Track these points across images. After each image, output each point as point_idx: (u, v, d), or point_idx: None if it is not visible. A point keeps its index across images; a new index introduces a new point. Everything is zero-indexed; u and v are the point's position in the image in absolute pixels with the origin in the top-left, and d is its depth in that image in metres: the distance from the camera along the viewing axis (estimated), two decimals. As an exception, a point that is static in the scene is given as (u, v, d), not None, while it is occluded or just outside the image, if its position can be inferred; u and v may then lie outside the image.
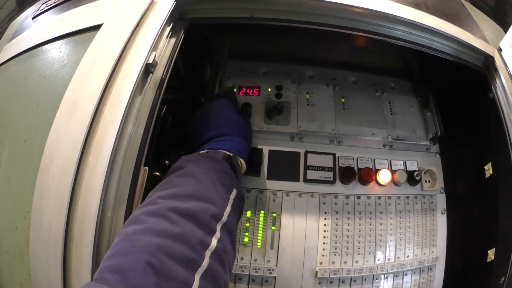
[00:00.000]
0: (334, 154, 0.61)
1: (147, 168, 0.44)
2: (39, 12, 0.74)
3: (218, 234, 0.38)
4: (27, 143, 0.55)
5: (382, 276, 0.58)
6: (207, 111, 0.55)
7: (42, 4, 0.75)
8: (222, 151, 0.49)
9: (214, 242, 0.37)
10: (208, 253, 0.36)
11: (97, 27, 0.54)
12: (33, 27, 0.72)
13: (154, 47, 0.48)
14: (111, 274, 0.31)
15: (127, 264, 0.31)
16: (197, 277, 0.33)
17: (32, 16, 0.76)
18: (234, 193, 0.44)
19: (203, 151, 0.50)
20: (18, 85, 0.65)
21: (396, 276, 0.59)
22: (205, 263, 0.35)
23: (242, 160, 0.52)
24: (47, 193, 0.45)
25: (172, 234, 0.34)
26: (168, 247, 0.33)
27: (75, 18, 0.60)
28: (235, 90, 0.65)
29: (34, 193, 0.46)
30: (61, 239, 0.42)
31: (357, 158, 0.61)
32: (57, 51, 0.60)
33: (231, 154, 0.49)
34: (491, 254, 0.58)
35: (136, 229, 0.35)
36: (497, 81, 0.59)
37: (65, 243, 0.42)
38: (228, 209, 0.41)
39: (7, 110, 0.64)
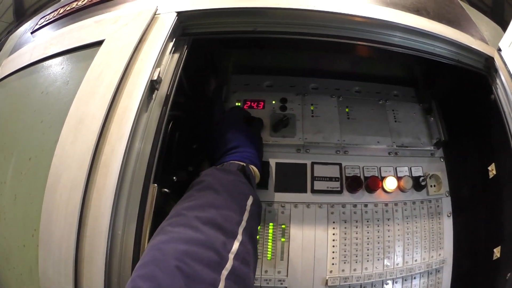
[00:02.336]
0: (340, 164, 0.61)
1: (156, 185, 0.44)
2: (38, 26, 0.73)
3: (240, 237, 0.40)
4: (33, 161, 0.54)
5: (391, 281, 0.59)
6: (218, 127, 0.57)
7: (41, 18, 0.75)
8: (235, 162, 0.52)
9: (236, 245, 0.39)
10: (231, 256, 0.38)
11: (98, 43, 0.54)
12: (33, 42, 0.72)
13: (158, 63, 0.48)
14: (143, 282, 0.33)
15: (158, 270, 0.34)
16: (222, 278, 0.36)
17: (31, 31, 0.75)
18: (250, 200, 0.46)
19: (219, 165, 0.52)
20: (20, 101, 0.64)
21: (405, 280, 0.60)
22: (229, 265, 0.37)
23: (255, 168, 0.54)
24: (55, 212, 0.45)
25: (197, 241, 0.37)
26: (194, 253, 0.36)
27: (76, 34, 0.60)
28: (238, 104, 0.66)
29: (42, 212, 0.46)
30: (71, 258, 0.42)
31: (363, 167, 0.62)
32: (58, 68, 0.60)
33: (244, 165, 0.51)
34: (497, 252, 0.58)
35: (164, 239, 0.38)
36: (498, 81, 0.59)
37: (75, 262, 0.42)
38: (246, 214, 0.44)
39: (10, 127, 0.64)
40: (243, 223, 0.42)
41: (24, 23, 0.86)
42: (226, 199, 0.44)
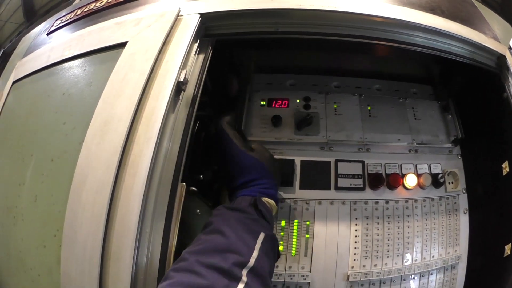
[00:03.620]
0: (363, 162, 0.62)
1: (184, 184, 0.45)
2: (54, 28, 0.74)
3: (244, 279, 0.40)
4: (55, 162, 0.55)
5: (410, 276, 0.60)
6: (223, 155, 0.55)
7: (56, 19, 0.75)
8: (247, 197, 0.52)
9: (241, 287, 0.39)
10: None
11: (121, 45, 0.54)
12: (49, 43, 0.72)
13: (184, 65, 0.48)
14: None
15: None
16: None
17: (46, 32, 0.76)
18: (261, 236, 0.46)
19: (227, 204, 0.52)
20: (39, 103, 0.65)
21: (423, 275, 0.61)
22: None
23: (268, 200, 0.53)
24: (80, 212, 0.45)
25: (199, 285, 0.38)
26: None
27: (96, 36, 0.60)
28: (263, 103, 0.66)
29: (66, 212, 0.46)
30: (97, 257, 0.42)
31: (384, 164, 0.62)
32: (80, 69, 0.60)
33: (256, 199, 0.51)
34: (507, 249, 0.59)
35: (168, 283, 0.38)
36: (510, 79, 0.60)
37: (101, 260, 0.42)
38: (255, 253, 0.44)
39: (29, 128, 0.64)
40: (250, 264, 0.42)
41: (36, 24, 0.86)
42: (231, 242, 0.44)
